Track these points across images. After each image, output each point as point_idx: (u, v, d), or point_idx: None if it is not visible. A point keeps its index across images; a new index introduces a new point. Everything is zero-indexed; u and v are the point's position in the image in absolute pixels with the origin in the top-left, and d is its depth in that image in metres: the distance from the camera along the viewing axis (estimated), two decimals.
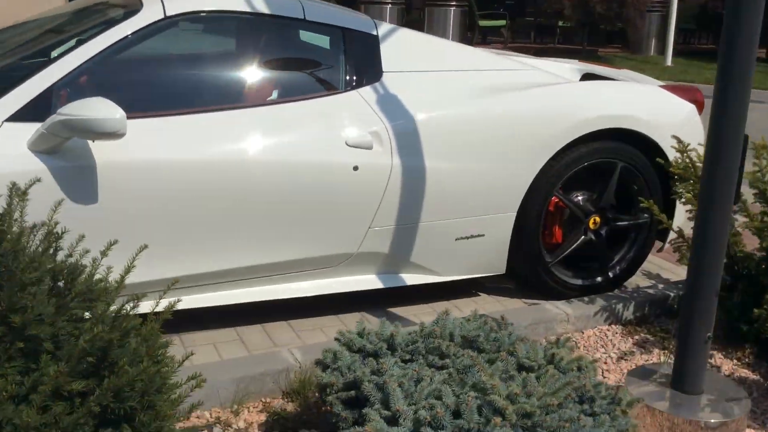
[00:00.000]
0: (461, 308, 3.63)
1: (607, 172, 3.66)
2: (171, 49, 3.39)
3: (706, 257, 2.46)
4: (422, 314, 3.57)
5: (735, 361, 3.16)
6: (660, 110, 3.73)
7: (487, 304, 3.69)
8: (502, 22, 16.97)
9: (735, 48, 2.28)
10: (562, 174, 3.56)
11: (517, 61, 3.87)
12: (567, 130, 3.48)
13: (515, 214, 3.52)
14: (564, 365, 2.12)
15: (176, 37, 3.27)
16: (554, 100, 3.52)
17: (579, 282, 3.76)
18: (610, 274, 3.80)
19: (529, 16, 18.10)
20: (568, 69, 4.27)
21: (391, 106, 3.30)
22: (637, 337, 3.34)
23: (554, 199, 3.63)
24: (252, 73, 3.32)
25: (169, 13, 3.12)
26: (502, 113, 3.41)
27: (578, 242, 3.71)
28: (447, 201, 3.39)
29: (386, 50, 3.44)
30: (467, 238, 3.50)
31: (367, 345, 2.15)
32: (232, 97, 3.22)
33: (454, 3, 15.32)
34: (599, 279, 3.77)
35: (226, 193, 3.01)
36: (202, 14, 3.23)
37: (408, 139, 3.28)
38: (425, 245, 3.43)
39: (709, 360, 3.14)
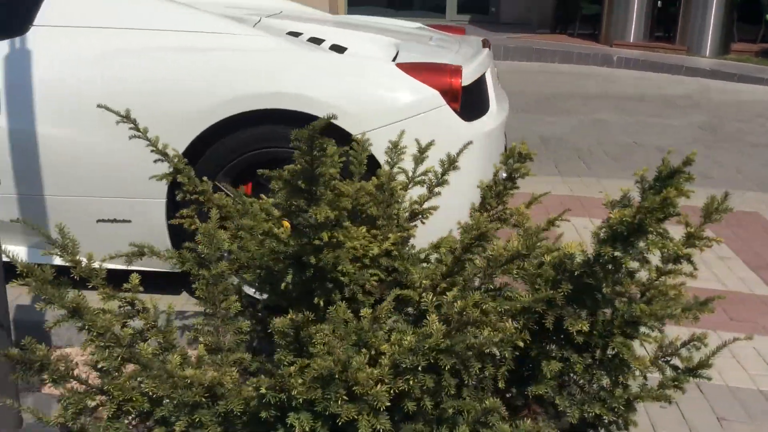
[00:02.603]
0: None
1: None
2: None
3: None
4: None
5: None
6: (367, 94, 2.85)
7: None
8: None
9: None
10: (224, 161, 2.91)
11: (245, 26, 3.12)
12: (211, 109, 2.82)
13: (165, 201, 2.97)
14: None
15: None
16: (202, 74, 2.86)
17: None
18: None
19: None
20: (370, 39, 3.35)
21: (15, 63, 2.95)
22: None
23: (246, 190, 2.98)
24: None
25: None
26: (135, 81, 2.87)
27: None
28: (75, 175, 2.96)
29: (51, 1, 3.06)
30: (111, 221, 3.03)
31: None
32: None
33: None
34: None
35: None
36: None
37: (22, 101, 2.91)
38: (62, 222, 3.04)
39: None
